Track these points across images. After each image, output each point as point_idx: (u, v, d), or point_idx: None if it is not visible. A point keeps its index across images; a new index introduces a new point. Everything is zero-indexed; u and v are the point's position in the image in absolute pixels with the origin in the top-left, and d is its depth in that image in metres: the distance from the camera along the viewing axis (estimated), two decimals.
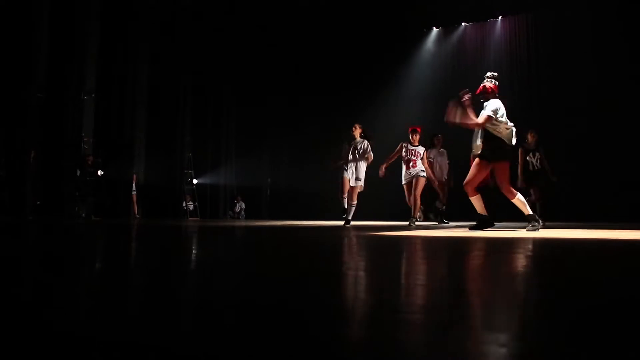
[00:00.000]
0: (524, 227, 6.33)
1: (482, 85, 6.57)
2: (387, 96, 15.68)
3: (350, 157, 8.57)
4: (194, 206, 16.40)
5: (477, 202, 6.64)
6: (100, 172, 12.98)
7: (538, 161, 9.15)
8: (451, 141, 10.96)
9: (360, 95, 15.77)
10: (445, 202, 10.84)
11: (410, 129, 9.31)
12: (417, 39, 16.23)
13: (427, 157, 10.15)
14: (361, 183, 8.54)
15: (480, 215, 6.60)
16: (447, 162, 11.01)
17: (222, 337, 0.92)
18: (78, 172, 12.44)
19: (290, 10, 15.46)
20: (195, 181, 16.54)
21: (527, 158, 9.19)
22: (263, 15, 15.85)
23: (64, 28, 12.16)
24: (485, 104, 6.42)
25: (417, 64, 16.15)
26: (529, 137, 9.27)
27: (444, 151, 10.99)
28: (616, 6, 12.63)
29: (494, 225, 6.80)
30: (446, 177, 10.95)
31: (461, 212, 10.27)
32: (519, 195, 6.35)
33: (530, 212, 6.29)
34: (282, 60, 17.06)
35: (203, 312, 1.18)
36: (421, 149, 9.15)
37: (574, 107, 12.57)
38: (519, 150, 9.00)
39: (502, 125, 6.30)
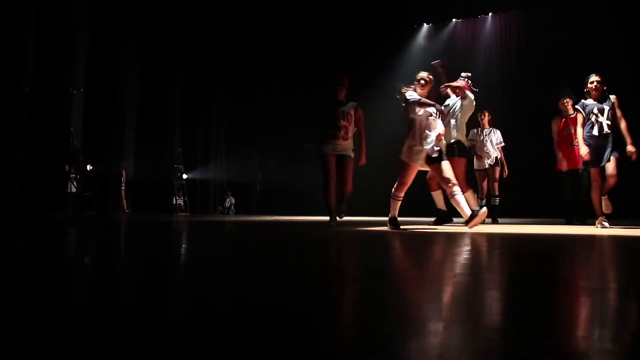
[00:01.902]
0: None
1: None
2: (378, 91, 15.66)
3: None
4: (184, 201, 16.34)
5: (438, 197, 7.05)
6: (89, 167, 12.90)
7: (610, 119, 6.30)
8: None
9: (351, 91, 15.74)
10: (484, 194, 8.53)
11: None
12: (408, 35, 16.23)
13: (469, 139, 8.04)
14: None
15: (441, 210, 6.98)
16: (498, 142, 8.66)
17: (218, 334, 0.91)
18: (67, 167, 12.36)
19: (282, 8, 15.40)
20: (185, 176, 16.47)
21: (591, 118, 6.39)
22: (255, 12, 15.77)
23: (53, 20, 12.04)
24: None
25: (408, 60, 16.15)
26: (591, 85, 6.45)
27: (492, 130, 8.73)
28: (609, 2, 12.62)
29: (452, 220, 7.12)
30: (490, 164, 8.48)
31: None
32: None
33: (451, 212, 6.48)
34: (273, 57, 17.00)
35: (198, 309, 1.17)
36: (352, 109, 6.51)
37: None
38: (576, 112, 6.64)
39: None
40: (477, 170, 8.64)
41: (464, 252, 2.77)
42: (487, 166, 8.50)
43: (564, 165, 7.98)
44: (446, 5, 14.91)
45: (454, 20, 15.62)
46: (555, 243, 3.71)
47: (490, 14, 15.03)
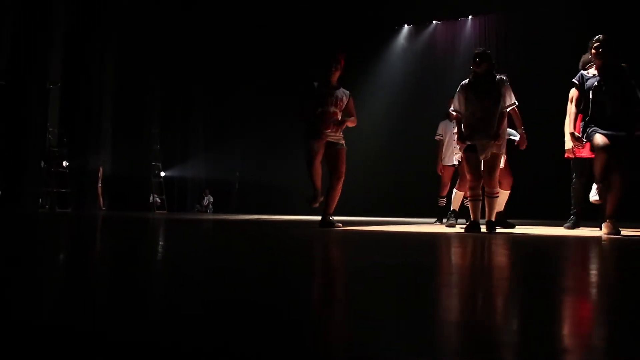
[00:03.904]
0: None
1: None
2: (359, 91, 15.70)
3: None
4: (161, 199, 16.22)
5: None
6: (65, 164, 12.75)
7: (616, 96, 4.81)
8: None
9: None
10: (445, 191, 8.13)
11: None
12: (389, 36, 16.31)
13: (438, 133, 8.08)
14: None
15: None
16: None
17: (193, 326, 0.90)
18: (42, 163, 12.19)
19: (263, 8, 15.38)
20: (163, 174, 16.35)
21: (591, 97, 4.91)
22: (237, 11, 15.71)
23: (29, 12, 11.84)
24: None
25: (388, 60, 16.23)
26: (594, 51, 4.91)
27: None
28: (588, 5, 12.74)
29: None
30: (459, 160, 6.77)
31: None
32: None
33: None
34: (253, 55, 16.95)
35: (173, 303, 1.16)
36: (345, 95, 5.75)
37: (545, 106, 12.69)
38: (575, 86, 5.16)
39: None
40: (445, 166, 8.01)
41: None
42: (456, 162, 7.35)
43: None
44: (427, 7, 15.02)
45: (434, 22, 15.72)
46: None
47: (470, 16, 15.16)
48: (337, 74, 5.68)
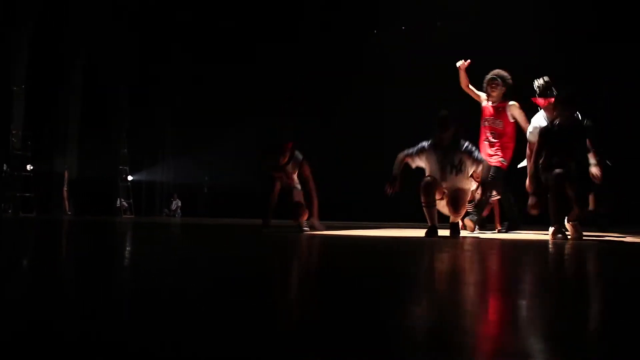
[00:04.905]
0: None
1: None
2: (335, 97, 15.74)
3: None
4: (129, 203, 15.99)
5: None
6: (29, 167, 12.50)
7: (576, 153, 4.72)
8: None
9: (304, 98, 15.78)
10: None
11: None
12: (362, 42, 16.36)
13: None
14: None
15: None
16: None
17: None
18: (5, 167, 11.94)
19: (237, 13, 15.36)
20: (130, 178, 16.14)
21: (550, 148, 4.71)
22: (211, 15, 15.65)
23: None
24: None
25: (362, 68, 16.27)
26: (554, 107, 5.01)
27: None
28: (560, 13, 12.93)
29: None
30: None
31: None
32: None
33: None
34: (225, 60, 16.87)
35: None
36: (296, 162, 5.57)
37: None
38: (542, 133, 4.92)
39: None
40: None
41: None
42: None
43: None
44: (396, 14, 15.15)
45: (402, 28, 15.84)
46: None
47: (439, 23, 15.33)
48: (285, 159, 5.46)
